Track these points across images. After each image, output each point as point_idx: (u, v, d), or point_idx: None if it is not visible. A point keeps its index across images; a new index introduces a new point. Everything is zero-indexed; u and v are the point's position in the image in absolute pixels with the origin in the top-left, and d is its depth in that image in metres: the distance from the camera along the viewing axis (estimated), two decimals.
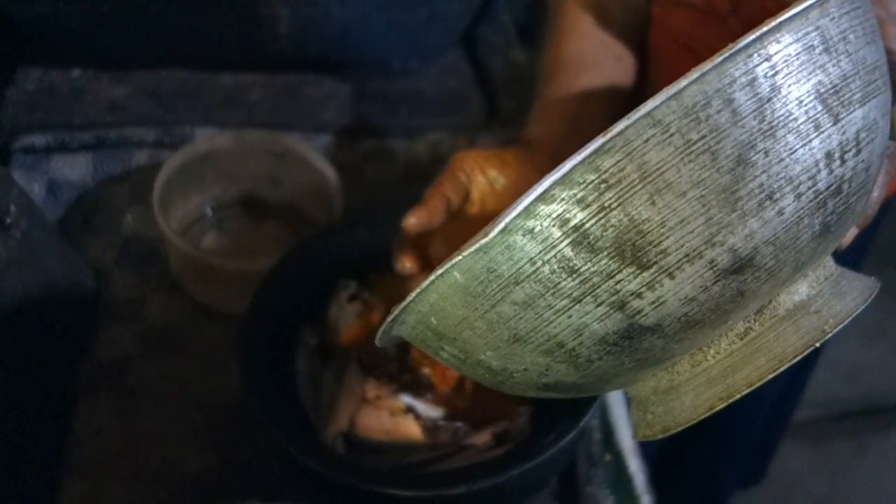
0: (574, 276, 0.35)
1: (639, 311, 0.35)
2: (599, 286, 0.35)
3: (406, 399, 0.62)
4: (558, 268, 0.35)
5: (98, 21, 0.82)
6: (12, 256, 0.63)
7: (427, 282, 0.38)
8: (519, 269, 0.35)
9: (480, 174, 0.58)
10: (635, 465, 0.68)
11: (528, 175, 0.59)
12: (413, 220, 0.55)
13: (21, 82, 0.86)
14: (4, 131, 0.81)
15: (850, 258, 0.88)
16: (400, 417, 0.61)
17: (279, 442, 0.55)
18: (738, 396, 0.38)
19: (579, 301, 0.35)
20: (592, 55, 0.70)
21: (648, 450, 0.73)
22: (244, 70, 0.91)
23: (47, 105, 0.85)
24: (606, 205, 0.34)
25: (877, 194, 0.43)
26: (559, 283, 0.35)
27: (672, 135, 0.33)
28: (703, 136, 0.33)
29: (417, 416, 0.62)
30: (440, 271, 0.37)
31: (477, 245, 0.35)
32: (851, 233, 0.43)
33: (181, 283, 0.76)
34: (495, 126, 0.92)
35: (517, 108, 0.93)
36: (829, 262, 0.41)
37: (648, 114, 0.33)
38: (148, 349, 0.72)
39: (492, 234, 0.35)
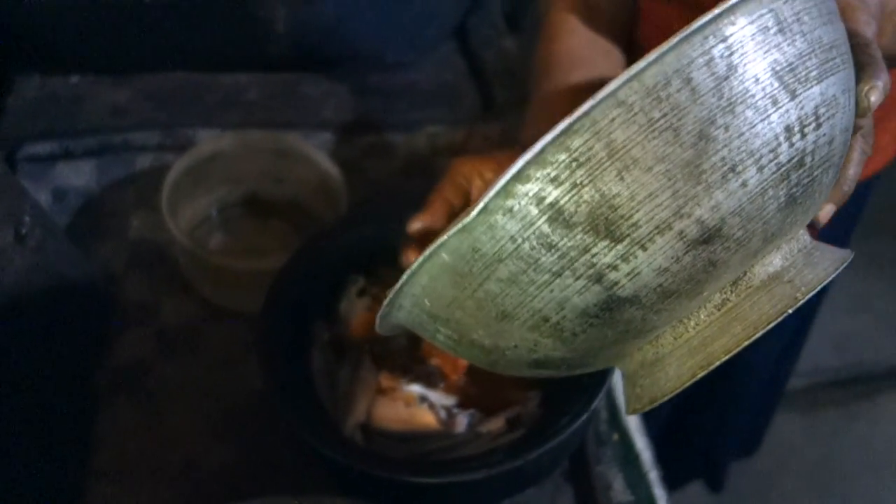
0: (553, 251, 0.37)
1: (616, 283, 0.37)
2: (577, 260, 0.37)
3: (419, 389, 0.64)
4: (537, 244, 0.37)
5: (95, 27, 0.83)
6: (28, 265, 0.63)
7: (416, 263, 0.39)
8: (501, 246, 0.37)
9: (478, 177, 0.60)
10: (642, 443, 0.70)
11: None
12: (417, 225, 0.57)
13: (21, 90, 0.87)
14: (8, 141, 0.81)
15: (837, 233, 0.91)
16: (415, 407, 0.63)
17: (301, 436, 0.56)
18: (717, 363, 0.39)
19: (559, 275, 0.37)
20: (581, 52, 0.71)
21: (652, 425, 0.75)
22: (242, 70, 0.92)
23: (49, 112, 0.85)
24: (578, 182, 0.35)
25: (852, 172, 0.44)
26: (539, 258, 0.37)
27: (636, 114, 0.35)
28: (665, 114, 0.35)
29: (431, 406, 0.63)
30: (428, 252, 0.39)
31: (460, 225, 0.37)
32: (829, 210, 0.44)
33: (191, 284, 0.77)
34: (490, 116, 0.93)
35: (511, 98, 0.94)
36: (803, 235, 0.43)
37: (612, 94, 0.35)
38: (164, 351, 0.73)
39: (473, 214, 0.37)
